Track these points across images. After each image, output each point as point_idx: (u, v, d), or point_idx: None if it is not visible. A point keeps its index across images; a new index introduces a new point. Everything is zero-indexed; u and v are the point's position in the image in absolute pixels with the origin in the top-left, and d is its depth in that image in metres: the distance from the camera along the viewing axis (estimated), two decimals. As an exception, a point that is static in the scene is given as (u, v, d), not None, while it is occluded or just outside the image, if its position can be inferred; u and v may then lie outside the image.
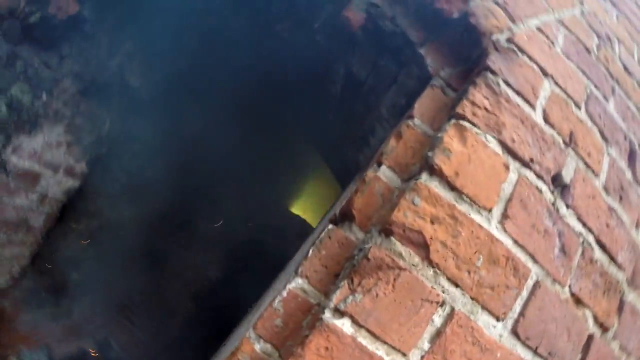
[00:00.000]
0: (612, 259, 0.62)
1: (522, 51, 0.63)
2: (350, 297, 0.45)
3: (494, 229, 0.50)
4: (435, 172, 0.49)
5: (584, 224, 0.59)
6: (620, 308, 0.62)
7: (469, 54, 0.66)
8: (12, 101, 1.12)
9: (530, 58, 0.63)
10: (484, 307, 0.49)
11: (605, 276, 0.60)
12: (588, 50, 0.76)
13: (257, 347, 0.47)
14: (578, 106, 0.66)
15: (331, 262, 0.51)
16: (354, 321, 0.45)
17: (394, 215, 0.47)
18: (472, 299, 0.48)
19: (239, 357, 0.47)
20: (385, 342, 0.45)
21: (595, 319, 0.59)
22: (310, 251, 0.51)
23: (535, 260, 0.52)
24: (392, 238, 0.47)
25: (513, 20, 0.67)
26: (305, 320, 0.47)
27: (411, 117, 0.61)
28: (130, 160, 1.88)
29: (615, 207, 0.65)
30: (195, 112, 1.99)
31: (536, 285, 0.52)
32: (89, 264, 2.05)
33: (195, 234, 2.86)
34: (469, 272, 0.48)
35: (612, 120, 0.69)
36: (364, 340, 0.45)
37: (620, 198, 0.66)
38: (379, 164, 0.57)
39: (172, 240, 2.82)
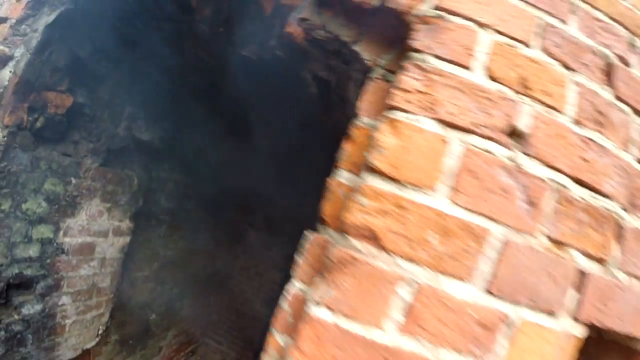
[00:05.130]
0: (596, 191, 0.62)
1: (453, 13, 0.63)
2: (327, 292, 0.57)
3: (444, 205, 0.54)
4: (374, 171, 0.54)
5: (553, 167, 0.60)
6: (620, 236, 0.62)
7: (399, 35, 0.68)
8: (48, 195, 1.30)
9: (463, 17, 0.63)
10: (448, 275, 0.54)
11: (591, 211, 0.61)
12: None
13: (280, 340, 0.61)
14: (527, 45, 0.65)
15: (317, 262, 0.63)
16: (331, 310, 0.57)
17: (345, 217, 0.58)
18: (434, 270, 0.53)
19: (269, 350, 0.61)
20: (359, 321, 0.56)
21: (588, 255, 0.60)
22: (300, 259, 0.64)
23: (495, 221, 0.55)
24: (348, 237, 0.57)
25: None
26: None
27: (357, 115, 0.66)
28: (166, 201, 2.07)
29: (592, 137, 0.64)
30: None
31: (504, 243, 0.55)
32: (162, 301, 2.30)
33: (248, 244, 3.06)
34: (424, 249, 0.53)
35: (575, 42, 0.66)
36: (343, 323, 0.56)
37: (600, 124, 0.65)
38: (338, 168, 0.62)
39: (231, 256, 3.05)
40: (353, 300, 0.57)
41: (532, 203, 0.59)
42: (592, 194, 0.63)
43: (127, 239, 1.88)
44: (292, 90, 1.21)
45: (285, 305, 0.62)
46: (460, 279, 0.57)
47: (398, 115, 0.60)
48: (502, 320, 0.57)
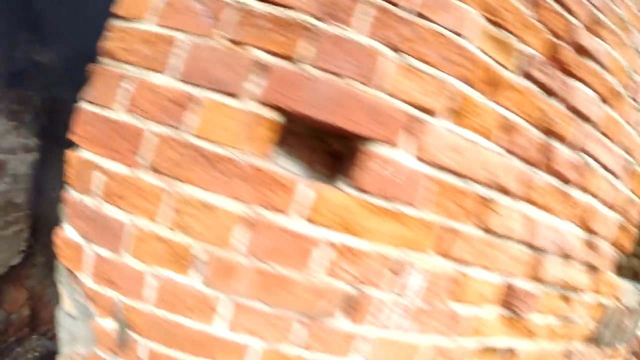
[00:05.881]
0: (280, 5, 0.89)
1: None
2: (89, 92, 1.01)
3: (150, 26, 0.95)
4: (117, 17, 1.00)
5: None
6: (312, 39, 0.90)
7: None
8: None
9: None
10: (152, 70, 0.93)
11: (273, 19, 0.91)
12: None
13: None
14: None
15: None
16: (89, 102, 1.00)
17: (102, 46, 1.00)
18: (142, 67, 0.88)
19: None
20: (101, 107, 0.97)
21: (270, 52, 0.90)
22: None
23: (181, 30, 0.87)
24: (101, 57, 1.02)
25: None
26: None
27: None
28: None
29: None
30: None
31: (189, 45, 0.86)
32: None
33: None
34: (137, 55, 0.94)
35: None
36: (93, 109, 0.98)
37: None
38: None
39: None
40: (99, 93, 1.01)
41: (214, 17, 0.88)
42: (276, 7, 0.91)
43: (36, 155, 2.32)
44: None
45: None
46: (160, 71, 0.89)
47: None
48: (188, 98, 0.90)
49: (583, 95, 1.17)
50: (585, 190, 1.23)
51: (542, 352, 1.31)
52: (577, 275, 1.30)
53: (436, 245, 1.01)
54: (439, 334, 1.08)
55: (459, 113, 0.99)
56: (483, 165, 1.03)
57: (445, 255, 1.03)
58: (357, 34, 0.91)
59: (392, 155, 0.94)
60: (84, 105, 1.02)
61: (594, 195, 1.26)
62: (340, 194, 0.93)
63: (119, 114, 0.96)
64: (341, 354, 1.06)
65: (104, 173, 0.97)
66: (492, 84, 1.07)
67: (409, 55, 0.94)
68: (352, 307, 0.98)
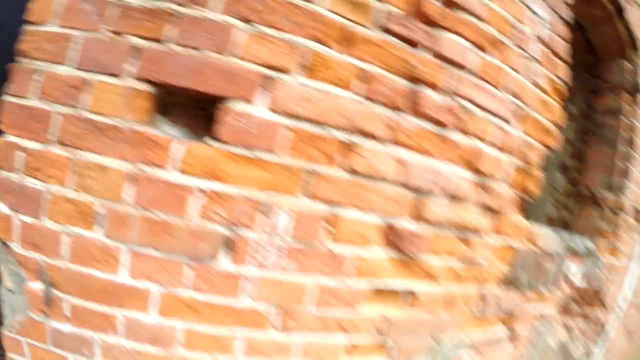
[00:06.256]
0: None
1: None
2: (11, 84, 1.18)
3: (54, 28, 1.17)
4: (27, 21, 1.19)
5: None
6: (176, 21, 1.11)
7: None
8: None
9: None
10: (56, 63, 1.15)
11: (145, 11, 1.14)
12: None
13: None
14: None
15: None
16: (12, 95, 1.16)
17: (18, 47, 1.15)
18: (48, 62, 1.14)
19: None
20: (20, 97, 1.19)
21: (142, 37, 1.12)
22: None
23: (78, 29, 1.12)
24: (20, 57, 1.20)
25: None
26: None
27: None
28: None
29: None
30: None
31: (84, 39, 1.14)
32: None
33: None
34: (42, 51, 1.17)
35: None
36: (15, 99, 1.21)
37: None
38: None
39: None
40: (18, 86, 1.24)
41: (100, 14, 1.11)
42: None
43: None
44: None
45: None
46: (61, 63, 1.13)
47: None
48: (83, 82, 1.13)
49: (453, 45, 1.28)
50: (466, 132, 1.31)
51: (448, 295, 1.37)
52: (472, 216, 1.35)
53: (301, 187, 1.13)
54: (321, 274, 1.19)
55: (312, 69, 1.14)
56: (340, 112, 1.15)
57: (312, 196, 1.15)
58: (212, 12, 1.11)
59: (247, 110, 1.10)
60: (6, 98, 1.26)
61: (478, 138, 1.34)
62: (206, 147, 1.11)
63: (32, 101, 1.20)
64: (229, 294, 1.19)
65: (23, 151, 1.20)
66: (346, 41, 1.19)
67: (259, 24, 1.11)
68: (231, 248, 1.13)
